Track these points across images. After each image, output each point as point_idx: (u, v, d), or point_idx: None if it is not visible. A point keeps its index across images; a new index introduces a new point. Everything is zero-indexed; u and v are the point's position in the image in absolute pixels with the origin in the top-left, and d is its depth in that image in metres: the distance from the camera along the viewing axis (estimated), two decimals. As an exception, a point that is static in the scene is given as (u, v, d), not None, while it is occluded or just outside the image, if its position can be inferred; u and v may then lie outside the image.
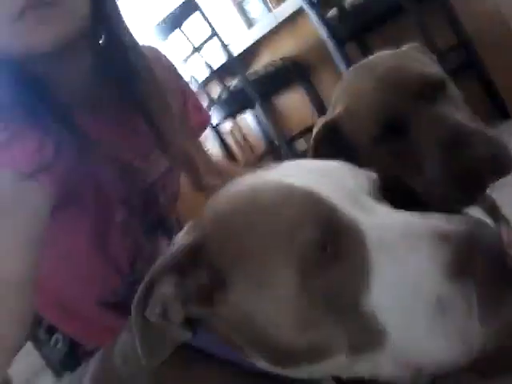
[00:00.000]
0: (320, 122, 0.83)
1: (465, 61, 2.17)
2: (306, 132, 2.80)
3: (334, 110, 0.82)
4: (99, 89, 0.81)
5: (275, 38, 2.76)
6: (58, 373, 2.02)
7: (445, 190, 0.71)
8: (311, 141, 0.82)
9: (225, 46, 2.36)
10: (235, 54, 2.50)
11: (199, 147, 1.05)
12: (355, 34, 2.29)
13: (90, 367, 0.60)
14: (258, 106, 2.48)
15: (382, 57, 0.81)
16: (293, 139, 2.79)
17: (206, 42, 2.42)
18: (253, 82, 2.40)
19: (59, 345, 0.96)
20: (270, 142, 3.02)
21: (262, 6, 3.19)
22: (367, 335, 0.42)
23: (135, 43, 0.82)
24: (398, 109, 0.73)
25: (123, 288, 0.90)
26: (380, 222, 0.43)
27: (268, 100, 2.89)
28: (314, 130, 0.82)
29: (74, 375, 0.64)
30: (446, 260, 0.38)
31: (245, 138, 3.28)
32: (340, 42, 2.24)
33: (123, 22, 0.80)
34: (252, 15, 3.29)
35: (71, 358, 0.99)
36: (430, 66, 0.80)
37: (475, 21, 2.16)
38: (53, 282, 0.90)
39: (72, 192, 0.78)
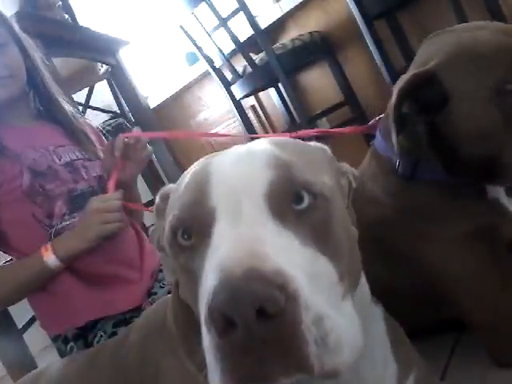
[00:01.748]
0: (404, 78, 0.75)
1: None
2: (329, 111, 2.76)
3: (425, 61, 0.75)
4: (29, 117, 1.27)
5: (304, 12, 2.72)
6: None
7: None
8: (395, 95, 0.74)
9: (252, 19, 2.32)
10: (262, 27, 2.46)
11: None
12: (385, 10, 2.23)
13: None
14: (282, 82, 2.44)
15: (488, 21, 0.76)
16: (315, 118, 2.76)
17: (233, 14, 2.38)
18: (279, 55, 2.36)
19: (74, 350, 1.11)
20: (291, 120, 2.99)
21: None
22: None
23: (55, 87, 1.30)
24: None
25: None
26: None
27: (293, 76, 2.86)
28: (399, 85, 0.75)
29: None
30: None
31: (266, 115, 3.26)
32: (369, 19, 2.19)
33: (48, 82, 1.28)
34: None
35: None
36: None
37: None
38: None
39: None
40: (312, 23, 2.73)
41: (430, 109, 0.73)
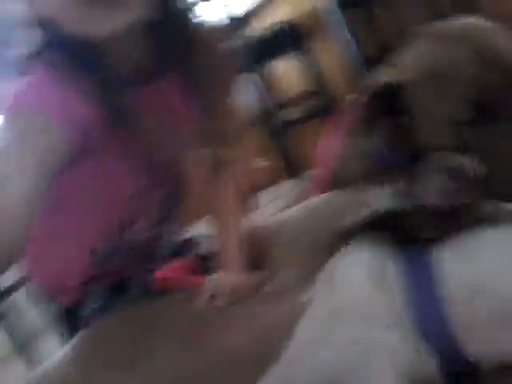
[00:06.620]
0: (377, 78, 0.77)
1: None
2: (298, 100, 2.77)
3: (400, 70, 0.77)
4: (152, 64, 0.83)
5: (274, 2, 2.70)
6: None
7: None
8: (365, 99, 0.78)
9: (224, 8, 2.30)
10: (234, 16, 2.43)
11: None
12: None
13: None
14: (252, 72, 2.43)
15: (473, 26, 0.74)
16: (284, 107, 2.76)
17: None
18: (249, 45, 2.34)
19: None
20: (261, 109, 2.98)
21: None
22: None
23: (190, 22, 0.85)
24: (496, 91, 0.68)
25: (103, 252, 0.93)
26: None
27: (263, 65, 2.84)
28: (370, 89, 0.78)
29: None
30: None
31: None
32: (340, 8, 2.20)
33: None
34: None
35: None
36: None
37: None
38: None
39: (91, 151, 0.79)
40: (282, 12, 2.71)
41: (396, 112, 0.77)
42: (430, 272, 0.59)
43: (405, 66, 0.77)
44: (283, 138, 2.91)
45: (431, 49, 0.75)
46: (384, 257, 0.63)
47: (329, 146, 1.04)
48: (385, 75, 0.78)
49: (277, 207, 1.23)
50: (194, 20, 0.86)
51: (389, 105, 0.77)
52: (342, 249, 0.65)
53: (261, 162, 3.18)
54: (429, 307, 0.57)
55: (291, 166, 3.03)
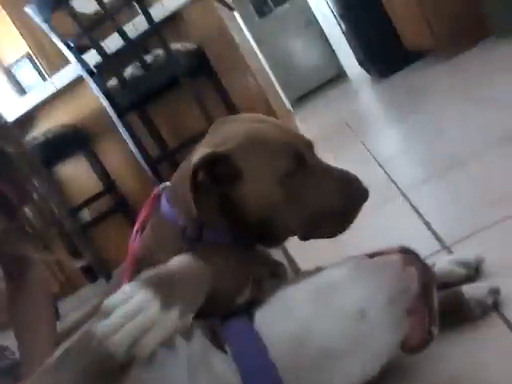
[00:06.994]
0: (201, 153, 0.83)
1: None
2: (90, 201, 2.75)
3: (219, 144, 0.85)
4: None
5: (54, 106, 2.71)
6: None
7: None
8: (191, 167, 0.82)
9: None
10: (10, 120, 2.37)
11: None
12: (135, 103, 2.39)
13: None
14: (40, 176, 2.36)
15: (263, 117, 0.93)
16: (76, 209, 2.72)
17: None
18: (31, 148, 2.29)
19: None
20: (54, 215, 2.88)
21: (35, 73, 3.12)
22: None
23: None
24: (303, 154, 0.84)
25: None
26: None
27: (49, 168, 2.78)
28: (195, 159, 0.83)
29: None
30: None
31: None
32: (121, 112, 2.29)
33: None
34: (25, 83, 3.19)
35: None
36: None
37: (240, 94, 2.51)
38: None
39: None
40: (64, 116, 2.73)
41: (224, 182, 0.85)
42: (252, 339, 0.63)
43: (224, 139, 0.86)
44: (82, 242, 2.83)
45: (245, 125, 0.89)
46: (203, 348, 0.63)
47: (133, 242, 1.04)
48: (204, 150, 0.85)
49: (74, 318, 1.17)
50: None
51: (213, 177, 0.85)
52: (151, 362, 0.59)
53: (65, 267, 3.02)
54: (259, 374, 0.60)
55: (94, 268, 2.93)
